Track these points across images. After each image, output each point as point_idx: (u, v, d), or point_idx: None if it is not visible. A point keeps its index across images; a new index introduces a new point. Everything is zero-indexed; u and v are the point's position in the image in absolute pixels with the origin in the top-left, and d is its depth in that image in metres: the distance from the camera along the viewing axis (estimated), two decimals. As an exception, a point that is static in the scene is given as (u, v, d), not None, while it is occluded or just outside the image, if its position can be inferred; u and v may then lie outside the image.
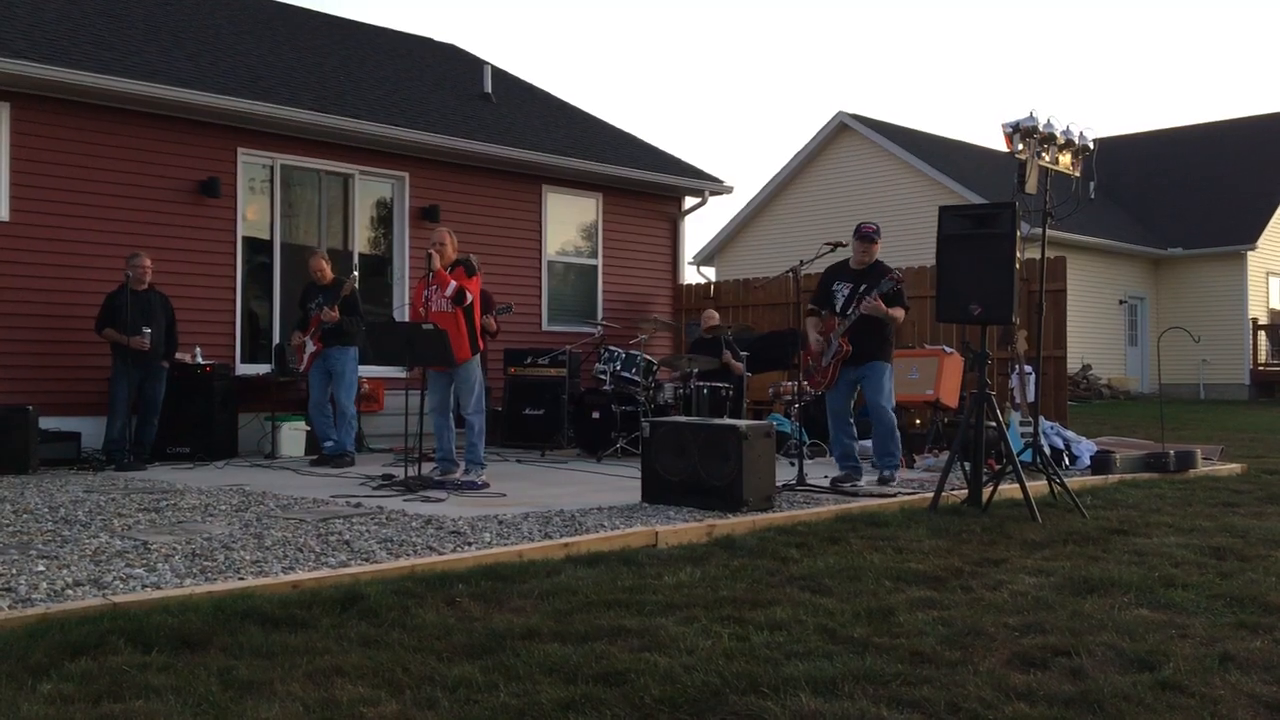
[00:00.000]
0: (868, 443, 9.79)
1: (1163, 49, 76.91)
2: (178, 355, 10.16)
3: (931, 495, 7.22)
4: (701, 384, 10.66)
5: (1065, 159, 7.62)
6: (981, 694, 3.35)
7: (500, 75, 16.19)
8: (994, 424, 7.42)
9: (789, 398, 11.42)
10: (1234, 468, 9.98)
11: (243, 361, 11.27)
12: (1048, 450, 8.26)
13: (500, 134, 13.53)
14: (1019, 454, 7.58)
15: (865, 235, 8.29)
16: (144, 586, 4.57)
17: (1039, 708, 3.24)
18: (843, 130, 25.90)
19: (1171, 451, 9.58)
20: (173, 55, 11.67)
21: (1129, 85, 75.19)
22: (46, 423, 9.40)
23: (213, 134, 11.11)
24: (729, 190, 15.49)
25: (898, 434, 8.39)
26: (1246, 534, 6.31)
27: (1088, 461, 9.60)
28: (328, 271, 10.14)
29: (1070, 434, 10.23)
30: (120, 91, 10.32)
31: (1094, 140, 7.85)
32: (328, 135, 11.79)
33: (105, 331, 9.54)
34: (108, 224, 10.39)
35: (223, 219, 11.17)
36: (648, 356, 11.07)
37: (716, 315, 12.44)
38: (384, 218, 12.73)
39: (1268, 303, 26.75)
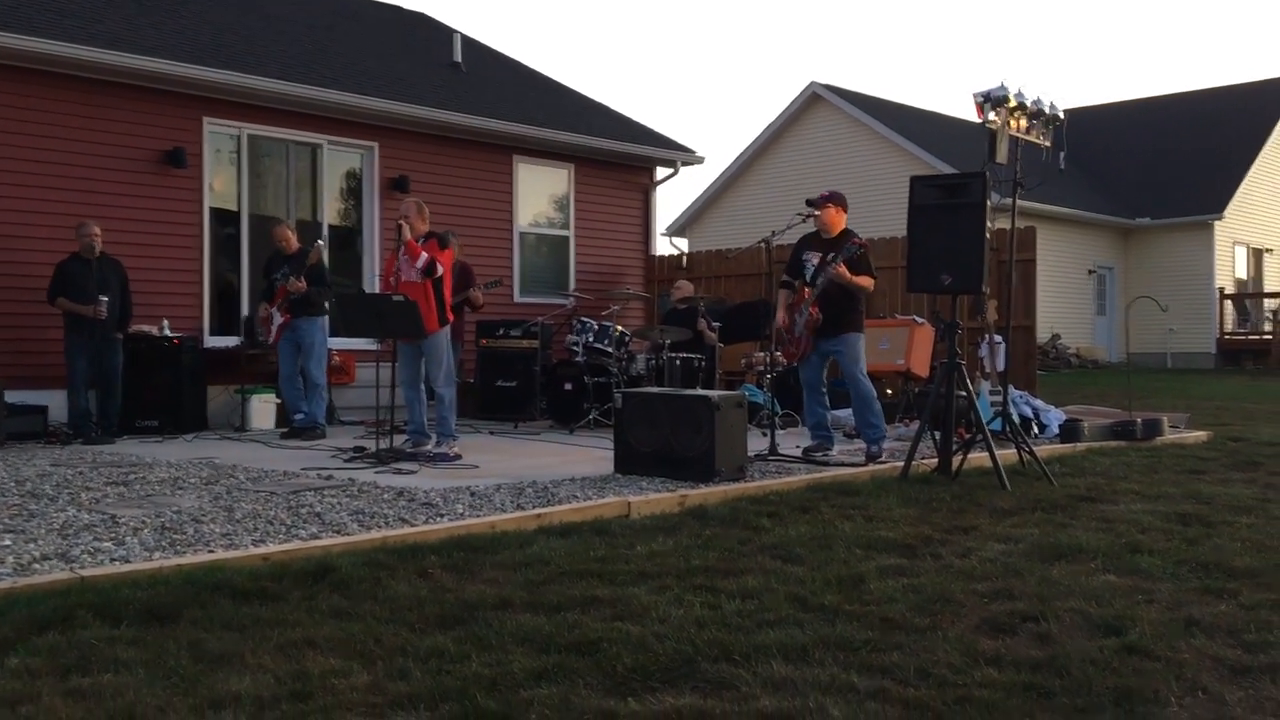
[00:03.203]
0: (842, 412, 9.84)
1: (1133, 20, 77.16)
2: (146, 327, 10.04)
3: (902, 464, 7.28)
4: (674, 355, 10.66)
5: (1035, 129, 7.64)
6: (950, 660, 3.38)
7: (470, 44, 16.02)
8: (964, 393, 7.46)
9: (761, 368, 11.44)
10: (1200, 435, 10.09)
11: (211, 334, 11.16)
12: (1017, 419, 8.32)
13: (471, 104, 13.41)
14: (988, 423, 7.64)
15: (813, 202, 8.18)
16: (112, 560, 4.54)
17: (1007, 672, 3.28)
18: (815, 100, 25.85)
19: (1139, 420, 9.69)
20: (137, 23, 11.47)
21: (1099, 56, 75.44)
22: (12, 396, 9.29)
23: (178, 103, 10.94)
24: (701, 161, 15.42)
25: (877, 404, 8.18)
26: (1212, 500, 6.39)
27: (1056, 430, 9.68)
28: (293, 240, 10.01)
29: (1039, 403, 10.31)
30: (83, 60, 10.14)
31: (1064, 111, 7.88)
32: (295, 104, 11.64)
33: (58, 301, 9.34)
34: (72, 195, 10.22)
35: (189, 190, 11.02)
36: (620, 328, 11.05)
37: (689, 285, 12.41)
38: (353, 188, 12.61)
39: (1234, 272, 26.99)
